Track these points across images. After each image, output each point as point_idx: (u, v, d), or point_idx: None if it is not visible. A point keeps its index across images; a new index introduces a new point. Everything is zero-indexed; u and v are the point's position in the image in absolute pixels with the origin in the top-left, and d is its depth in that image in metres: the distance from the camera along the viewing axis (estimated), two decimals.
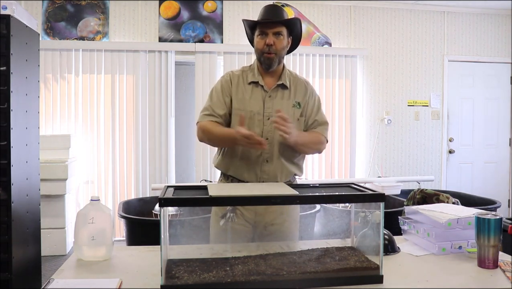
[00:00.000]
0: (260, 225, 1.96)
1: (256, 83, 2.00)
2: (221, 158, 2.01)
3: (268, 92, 1.99)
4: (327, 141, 2.08)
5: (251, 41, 2.07)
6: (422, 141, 5.61)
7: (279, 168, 1.96)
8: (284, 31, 1.97)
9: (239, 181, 1.97)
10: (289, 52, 2.07)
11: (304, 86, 2.06)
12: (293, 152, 1.99)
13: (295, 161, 2.03)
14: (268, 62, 1.96)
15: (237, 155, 1.95)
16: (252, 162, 1.94)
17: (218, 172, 2.11)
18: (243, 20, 2.05)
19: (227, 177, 2.02)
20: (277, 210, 1.97)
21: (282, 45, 1.96)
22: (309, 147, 2.02)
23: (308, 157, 5.26)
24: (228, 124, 2.00)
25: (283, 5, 5.16)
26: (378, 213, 1.47)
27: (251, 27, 2.03)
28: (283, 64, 2.06)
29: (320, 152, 2.09)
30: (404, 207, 2.23)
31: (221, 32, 5.05)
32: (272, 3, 2.07)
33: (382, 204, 1.43)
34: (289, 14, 5.14)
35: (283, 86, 2.01)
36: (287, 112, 1.95)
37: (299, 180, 2.19)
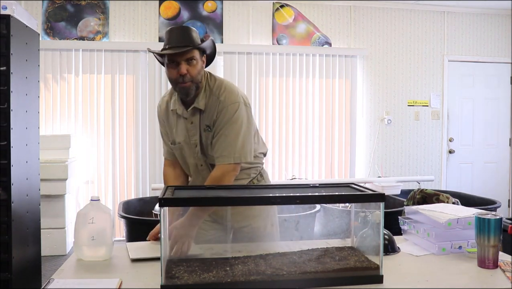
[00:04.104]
0: (231, 227, 1.92)
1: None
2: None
3: (188, 119, 1.88)
4: (238, 163, 1.83)
5: (163, 64, 1.87)
6: (422, 141, 5.61)
7: None
8: (196, 54, 1.81)
9: None
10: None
11: (215, 101, 1.84)
12: None
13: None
14: (184, 91, 1.81)
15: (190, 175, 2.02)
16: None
17: None
18: (149, 51, 1.91)
19: None
20: (242, 212, 1.91)
21: (196, 70, 1.80)
22: None
23: (308, 157, 5.29)
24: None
25: (282, 5, 5.16)
26: (378, 213, 1.47)
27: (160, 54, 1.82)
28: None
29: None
30: (404, 207, 2.23)
31: (221, 32, 5.05)
32: (175, 26, 1.88)
33: (382, 204, 1.43)
34: (289, 14, 5.15)
35: (198, 109, 1.87)
36: (198, 137, 1.88)
37: (299, 180, 2.17)
